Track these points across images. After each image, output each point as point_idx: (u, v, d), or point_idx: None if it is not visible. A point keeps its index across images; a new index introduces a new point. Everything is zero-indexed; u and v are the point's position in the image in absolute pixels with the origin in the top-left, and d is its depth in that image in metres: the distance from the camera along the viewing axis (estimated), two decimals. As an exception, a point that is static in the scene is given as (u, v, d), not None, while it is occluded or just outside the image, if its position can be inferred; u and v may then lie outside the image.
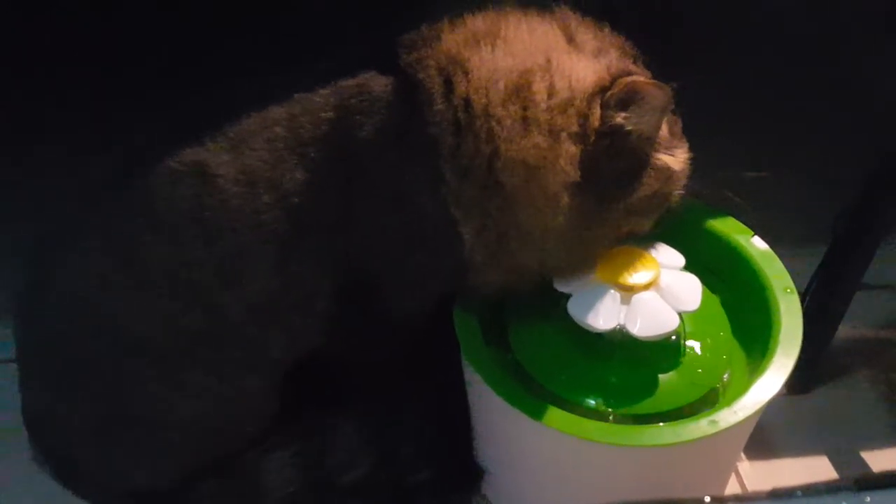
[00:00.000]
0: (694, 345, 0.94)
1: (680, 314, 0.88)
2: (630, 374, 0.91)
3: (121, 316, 0.86)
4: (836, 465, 1.12)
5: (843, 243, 1.14)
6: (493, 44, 0.84)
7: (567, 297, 0.89)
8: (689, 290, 0.90)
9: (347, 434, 0.96)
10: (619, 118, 0.82)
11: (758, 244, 0.98)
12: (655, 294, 0.88)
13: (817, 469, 1.11)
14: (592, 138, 0.83)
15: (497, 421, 0.92)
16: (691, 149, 0.91)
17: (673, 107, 0.87)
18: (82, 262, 0.86)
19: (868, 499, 0.50)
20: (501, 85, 0.82)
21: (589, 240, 0.87)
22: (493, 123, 0.82)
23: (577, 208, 0.83)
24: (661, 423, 0.86)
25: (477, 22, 0.86)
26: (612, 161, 0.84)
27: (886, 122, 1.06)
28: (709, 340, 0.94)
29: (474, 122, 0.82)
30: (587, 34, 0.87)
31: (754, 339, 0.94)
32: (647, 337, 0.86)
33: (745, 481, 1.09)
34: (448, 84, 0.83)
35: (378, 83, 0.85)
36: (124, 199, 0.85)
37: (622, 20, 0.88)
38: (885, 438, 1.15)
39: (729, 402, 0.84)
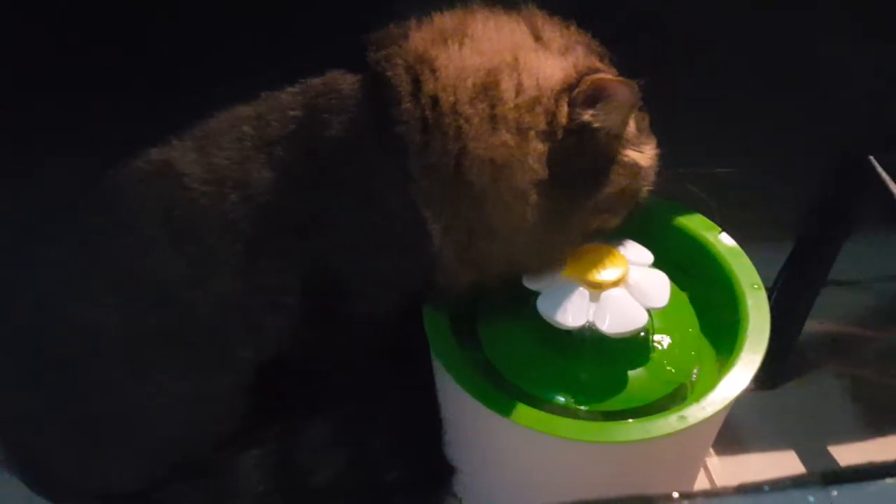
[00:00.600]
0: (663, 341, 0.94)
1: (649, 311, 0.88)
2: (599, 370, 0.91)
3: (89, 315, 0.86)
4: (804, 459, 1.13)
5: (810, 240, 1.15)
6: (461, 42, 0.84)
7: (536, 294, 0.89)
8: (658, 287, 0.90)
9: (318, 434, 0.96)
10: (587, 115, 0.83)
11: (725, 240, 0.99)
12: (624, 291, 0.89)
13: (785, 464, 1.12)
14: (560, 136, 0.83)
15: (467, 419, 0.92)
16: (659, 145, 0.91)
17: (640, 104, 0.88)
18: (48, 260, 0.86)
19: (835, 493, 0.51)
20: (469, 83, 0.82)
21: (558, 237, 0.87)
22: (461, 122, 0.82)
23: (545, 206, 0.84)
24: (631, 420, 0.86)
25: (445, 20, 0.86)
26: (580, 158, 0.84)
27: (852, 120, 1.07)
28: (677, 337, 0.95)
29: (442, 120, 0.82)
30: (554, 32, 0.87)
31: (722, 335, 0.94)
32: (616, 334, 0.87)
33: (714, 476, 1.10)
34: (416, 82, 0.83)
35: (346, 81, 0.84)
36: (90, 197, 0.85)
37: (588, 17, 0.89)
38: (852, 433, 1.16)
39: (698, 398, 0.85)
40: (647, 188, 0.91)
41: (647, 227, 0.95)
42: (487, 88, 0.82)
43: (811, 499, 0.50)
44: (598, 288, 0.88)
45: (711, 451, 1.11)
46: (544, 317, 0.87)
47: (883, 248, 1.19)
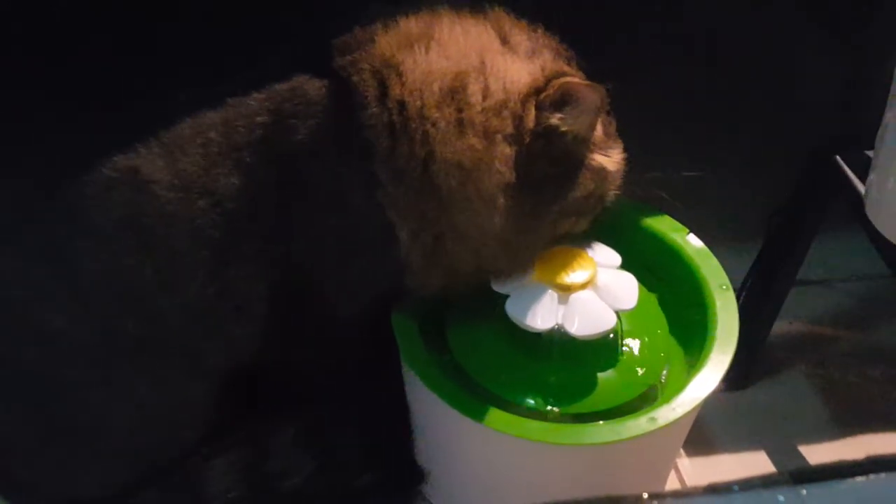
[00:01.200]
0: (632, 343, 0.94)
1: (617, 313, 0.89)
2: (569, 373, 0.91)
3: (56, 323, 0.85)
4: (774, 459, 1.13)
5: (778, 240, 1.15)
6: (427, 46, 0.84)
7: (505, 297, 0.89)
8: (626, 289, 0.91)
9: (287, 439, 0.96)
10: (554, 119, 0.83)
11: (693, 242, 1.00)
12: (593, 293, 0.89)
13: (756, 463, 1.12)
14: (527, 140, 0.83)
15: (438, 423, 0.92)
16: (626, 149, 0.92)
17: (607, 107, 0.88)
18: (14, 267, 0.85)
19: (804, 492, 0.51)
20: (436, 87, 0.82)
21: (526, 240, 0.88)
22: (428, 126, 0.82)
23: (513, 209, 0.84)
24: (601, 421, 0.86)
25: (410, 24, 0.86)
26: (548, 162, 0.84)
27: (817, 122, 1.07)
28: (646, 338, 0.95)
29: (409, 124, 0.82)
30: (521, 35, 0.87)
31: (691, 336, 0.95)
32: (585, 336, 0.87)
33: (685, 477, 1.10)
34: (382, 87, 0.83)
35: (312, 87, 0.84)
36: (56, 204, 0.84)
37: (555, 21, 0.89)
38: (822, 432, 1.17)
39: (667, 399, 0.85)
40: (614, 192, 0.91)
41: (616, 228, 0.95)
42: (454, 92, 0.82)
43: (781, 498, 0.50)
44: (566, 290, 0.88)
45: (682, 451, 1.11)
46: (513, 320, 0.88)
47: (850, 247, 1.20)
